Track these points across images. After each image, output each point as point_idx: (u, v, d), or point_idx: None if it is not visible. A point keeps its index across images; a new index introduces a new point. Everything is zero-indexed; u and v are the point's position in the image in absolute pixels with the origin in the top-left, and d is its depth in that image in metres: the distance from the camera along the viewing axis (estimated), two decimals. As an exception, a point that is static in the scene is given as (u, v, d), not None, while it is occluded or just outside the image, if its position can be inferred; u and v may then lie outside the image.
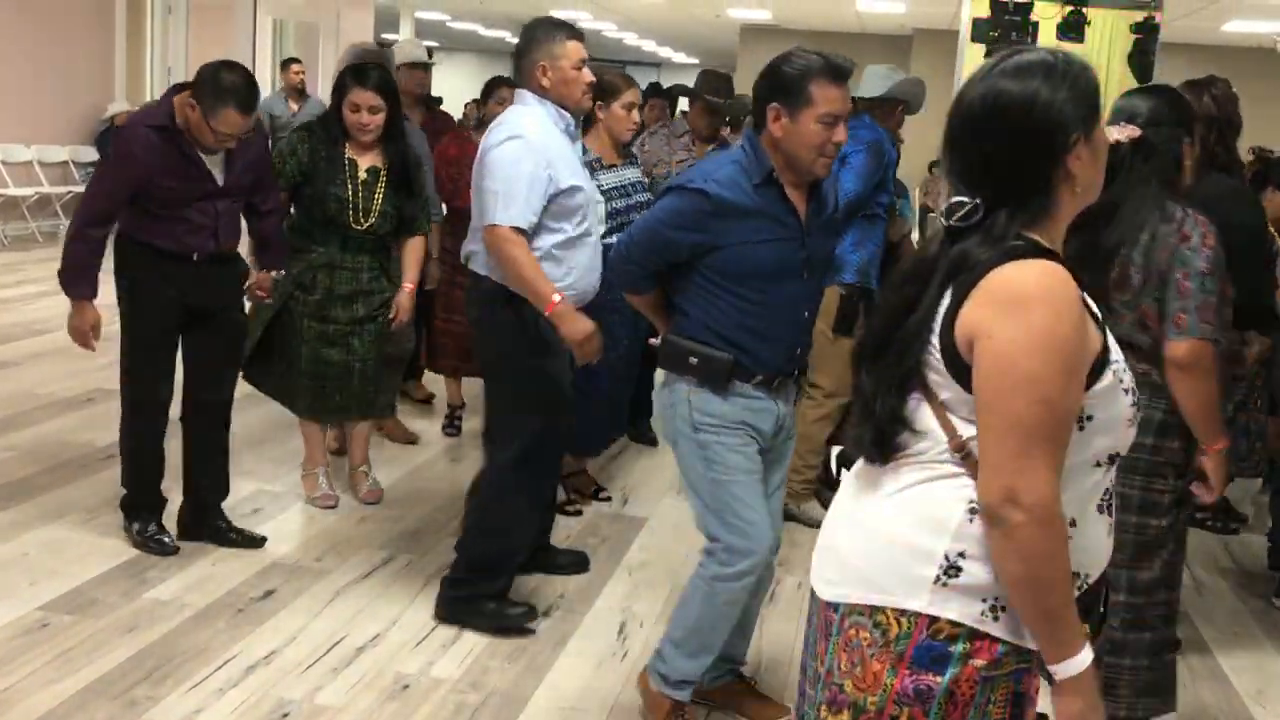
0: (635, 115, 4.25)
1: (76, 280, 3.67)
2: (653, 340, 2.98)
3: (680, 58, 27.36)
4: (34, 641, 3.22)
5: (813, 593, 1.75)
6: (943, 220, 1.61)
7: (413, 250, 4.32)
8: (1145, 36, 7.74)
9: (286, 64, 10.35)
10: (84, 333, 3.72)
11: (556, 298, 3.23)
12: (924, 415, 1.61)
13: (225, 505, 4.32)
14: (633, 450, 5.51)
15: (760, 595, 3.01)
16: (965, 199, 1.57)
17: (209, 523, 3.96)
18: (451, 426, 5.51)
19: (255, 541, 3.97)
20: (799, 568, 4.06)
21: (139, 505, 3.91)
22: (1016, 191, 1.57)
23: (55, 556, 3.78)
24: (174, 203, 3.63)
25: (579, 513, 4.53)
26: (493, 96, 5.13)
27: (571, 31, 3.39)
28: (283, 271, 4.06)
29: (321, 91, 12.03)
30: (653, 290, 2.88)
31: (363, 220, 4.11)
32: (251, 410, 5.58)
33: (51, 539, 3.93)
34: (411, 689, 3.13)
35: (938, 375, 1.59)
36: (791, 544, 4.00)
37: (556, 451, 3.61)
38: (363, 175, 4.10)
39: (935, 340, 1.58)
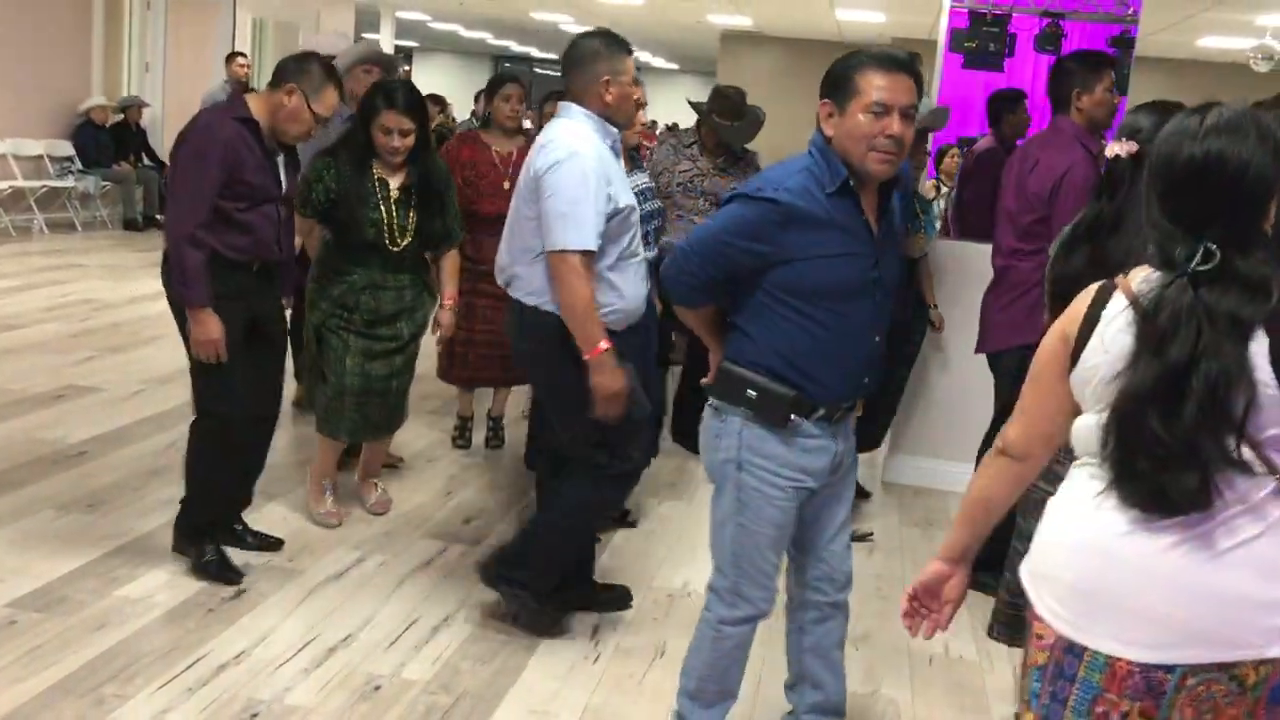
0: (643, 116, 4.13)
1: (197, 287, 3.46)
2: (705, 381, 2.75)
3: (660, 63, 27.40)
4: (1, 639, 3.20)
5: (1070, 646, 1.78)
6: (1181, 267, 1.72)
7: (450, 264, 4.26)
8: (1121, 50, 7.83)
9: (231, 57, 10.26)
10: (215, 342, 3.50)
11: (604, 345, 3.12)
12: (1247, 457, 1.69)
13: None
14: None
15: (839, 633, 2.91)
16: (1208, 246, 1.71)
17: (228, 527, 3.88)
18: (463, 439, 5.34)
19: (273, 544, 3.92)
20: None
21: (204, 531, 3.74)
22: (1241, 234, 1.73)
23: (24, 554, 3.76)
24: (251, 202, 3.53)
25: (597, 539, 4.45)
26: (542, 109, 5.06)
27: (628, 47, 3.30)
28: (290, 299, 4.00)
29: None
30: (708, 306, 2.68)
31: (399, 240, 4.02)
32: (225, 409, 5.57)
33: (21, 536, 3.90)
34: (383, 690, 3.12)
35: (1267, 414, 1.68)
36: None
37: (633, 477, 3.50)
38: (395, 194, 4.00)
39: (1266, 378, 1.67)
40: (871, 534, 4.64)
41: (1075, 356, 1.85)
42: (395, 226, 3.99)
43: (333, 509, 4.27)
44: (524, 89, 5.07)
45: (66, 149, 11.25)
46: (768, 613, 2.73)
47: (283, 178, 3.66)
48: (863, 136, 2.44)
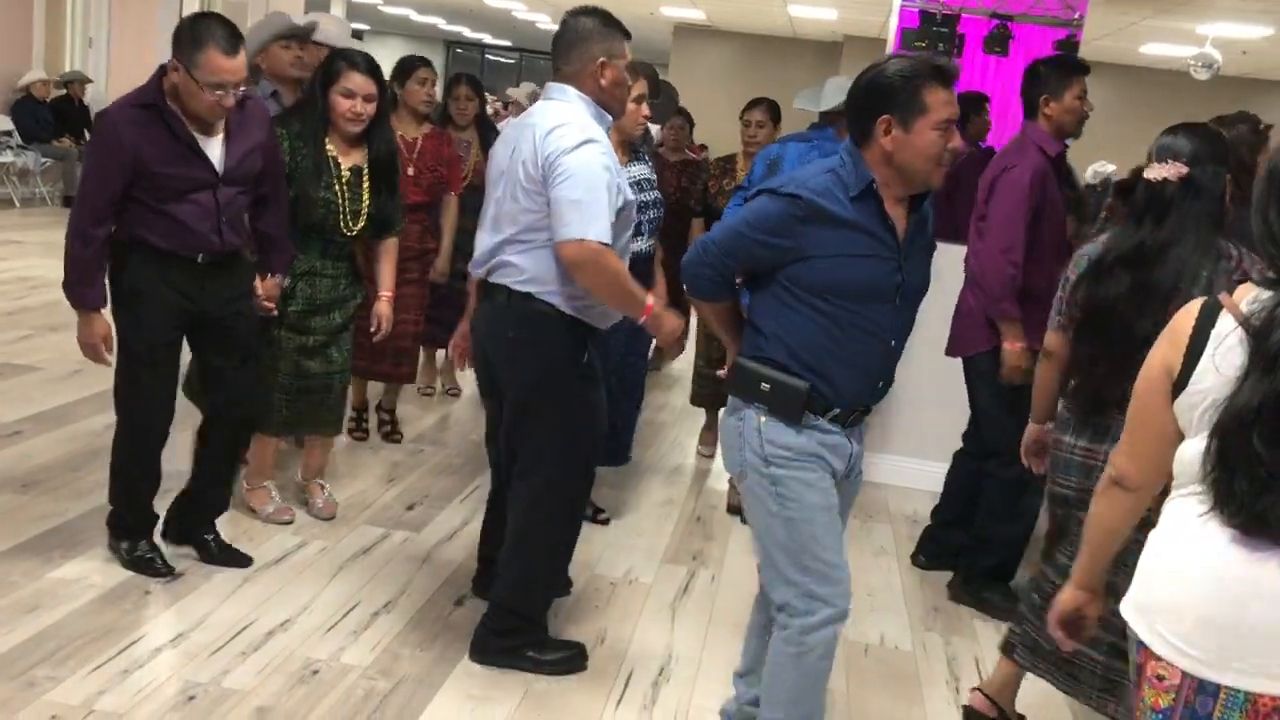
0: (645, 109, 3.92)
1: (84, 287, 3.29)
2: (721, 372, 2.75)
3: (613, 53, 27.32)
4: (-69, 619, 3.15)
5: (1202, 685, 1.74)
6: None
7: (389, 253, 4.07)
8: (1067, 54, 7.96)
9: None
10: (96, 346, 3.37)
11: (650, 301, 3.07)
12: None
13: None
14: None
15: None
16: None
17: (197, 535, 3.71)
18: (360, 430, 5.23)
19: (241, 561, 3.70)
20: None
21: (130, 525, 3.60)
22: None
23: (-45, 533, 3.69)
24: (171, 194, 3.28)
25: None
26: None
27: (625, 29, 3.14)
28: (287, 278, 3.77)
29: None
30: (726, 300, 2.67)
31: (352, 225, 3.83)
32: (165, 391, 5.50)
33: (-48, 515, 3.83)
34: (321, 674, 3.11)
35: None
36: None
37: (591, 479, 3.39)
38: (346, 175, 3.81)
39: None
40: None
41: (1182, 381, 1.82)
42: (348, 210, 3.82)
43: (282, 505, 4.12)
44: (435, 74, 5.09)
45: (5, 124, 11.02)
46: (847, 610, 2.59)
47: (217, 162, 3.34)
48: (934, 155, 2.44)
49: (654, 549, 4.28)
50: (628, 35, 3.13)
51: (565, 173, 2.92)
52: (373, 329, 4.07)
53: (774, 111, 5.40)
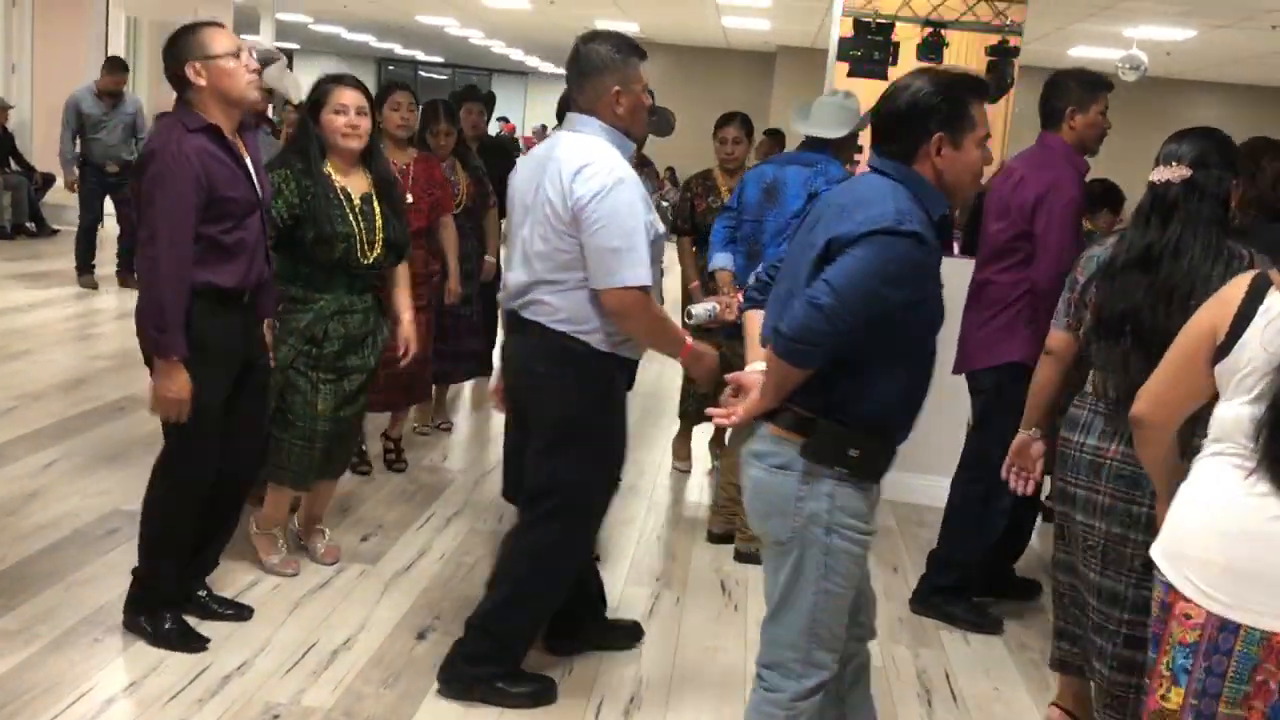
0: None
1: (176, 333, 3.02)
2: (723, 418, 2.48)
3: (549, 67, 27.30)
4: None
5: (1224, 624, 2.03)
6: None
7: (404, 278, 3.95)
8: (999, 59, 8.04)
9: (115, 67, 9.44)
10: (185, 402, 3.09)
11: (689, 340, 3.08)
12: None
13: (76, 526, 4.15)
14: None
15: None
16: None
17: (192, 593, 3.49)
18: (365, 464, 5.08)
19: (243, 613, 3.54)
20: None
21: (164, 598, 3.33)
22: None
23: (-111, 586, 3.54)
24: (233, 221, 3.13)
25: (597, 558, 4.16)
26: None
27: (641, 51, 3.04)
28: (276, 323, 3.61)
29: (162, 90, 11.51)
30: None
31: (369, 254, 3.67)
32: (106, 423, 5.35)
33: (-115, 567, 3.67)
34: (282, 719, 3.02)
35: None
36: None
37: (604, 513, 3.30)
38: (359, 204, 3.66)
39: None
40: None
41: (1225, 347, 2.04)
42: (365, 240, 3.66)
43: (290, 558, 3.92)
44: (414, 96, 4.94)
45: (-73, 153, 10.72)
46: (834, 671, 2.50)
47: (256, 182, 3.24)
48: (978, 171, 2.38)
49: (616, 572, 4.22)
50: (643, 56, 3.05)
51: (599, 220, 2.87)
52: (400, 352, 3.91)
53: (747, 126, 5.38)
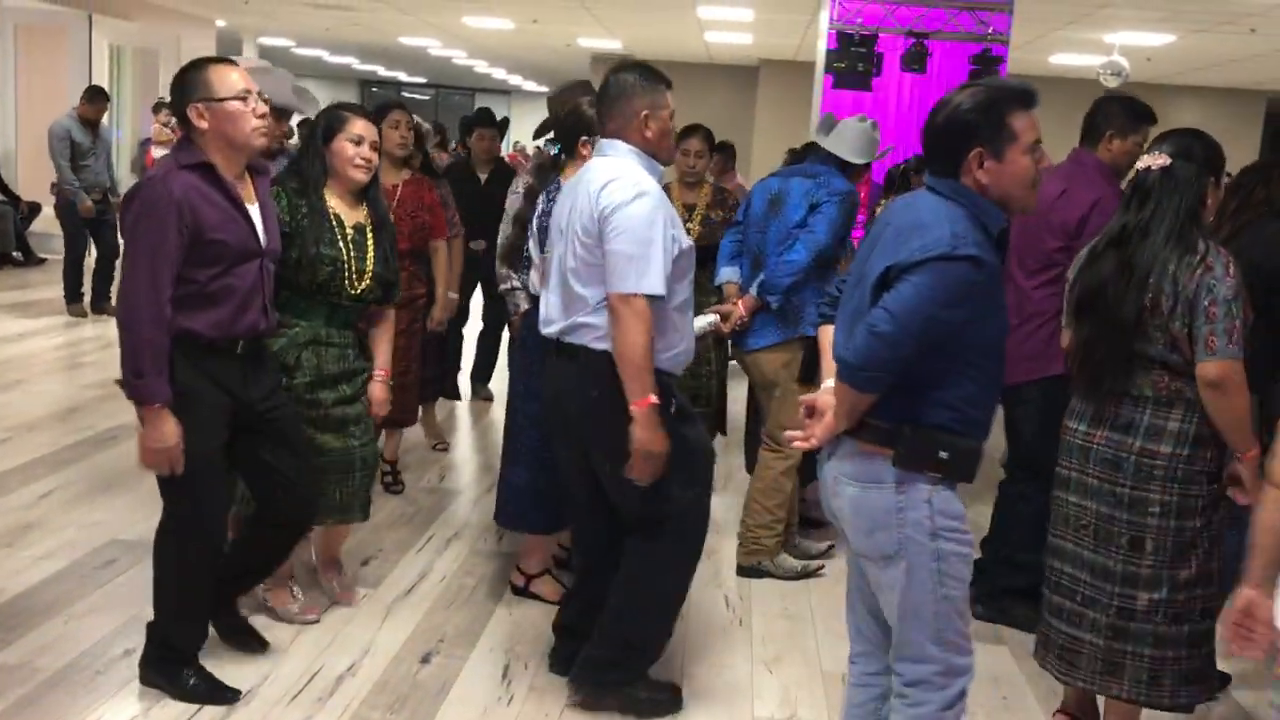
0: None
1: (158, 379, 2.87)
2: (802, 441, 2.51)
3: (531, 85, 27.35)
4: None
5: None
6: None
7: (387, 327, 3.75)
8: (982, 68, 8.08)
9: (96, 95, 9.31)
10: (173, 451, 2.93)
11: (654, 398, 2.97)
12: None
13: (74, 557, 4.12)
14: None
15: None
16: None
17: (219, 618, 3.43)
18: (397, 484, 5.13)
19: (260, 643, 3.48)
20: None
21: (184, 654, 3.19)
22: None
23: (-114, 623, 3.50)
24: (223, 267, 2.97)
25: None
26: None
27: (667, 80, 3.17)
28: (288, 350, 3.48)
29: (142, 119, 11.44)
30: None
31: (356, 285, 3.52)
32: (99, 452, 5.32)
33: (-119, 604, 3.64)
34: (289, 747, 2.99)
35: None
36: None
37: (706, 517, 3.33)
38: (350, 233, 3.53)
39: None
40: (821, 567, 4.55)
41: None
42: (354, 269, 3.52)
43: (310, 605, 3.78)
44: (410, 115, 4.90)
45: (-90, 184, 10.67)
46: (973, 672, 2.50)
47: (260, 229, 3.08)
48: (1029, 180, 2.37)
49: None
50: (669, 85, 3.16)
51: (617, 227, 2.95)
52: (370, 412, 3.70)
53: (710, 139, 5.38)
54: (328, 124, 3.56)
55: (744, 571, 4.42)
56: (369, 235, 3.59)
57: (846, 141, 4.33)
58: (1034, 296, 3.96)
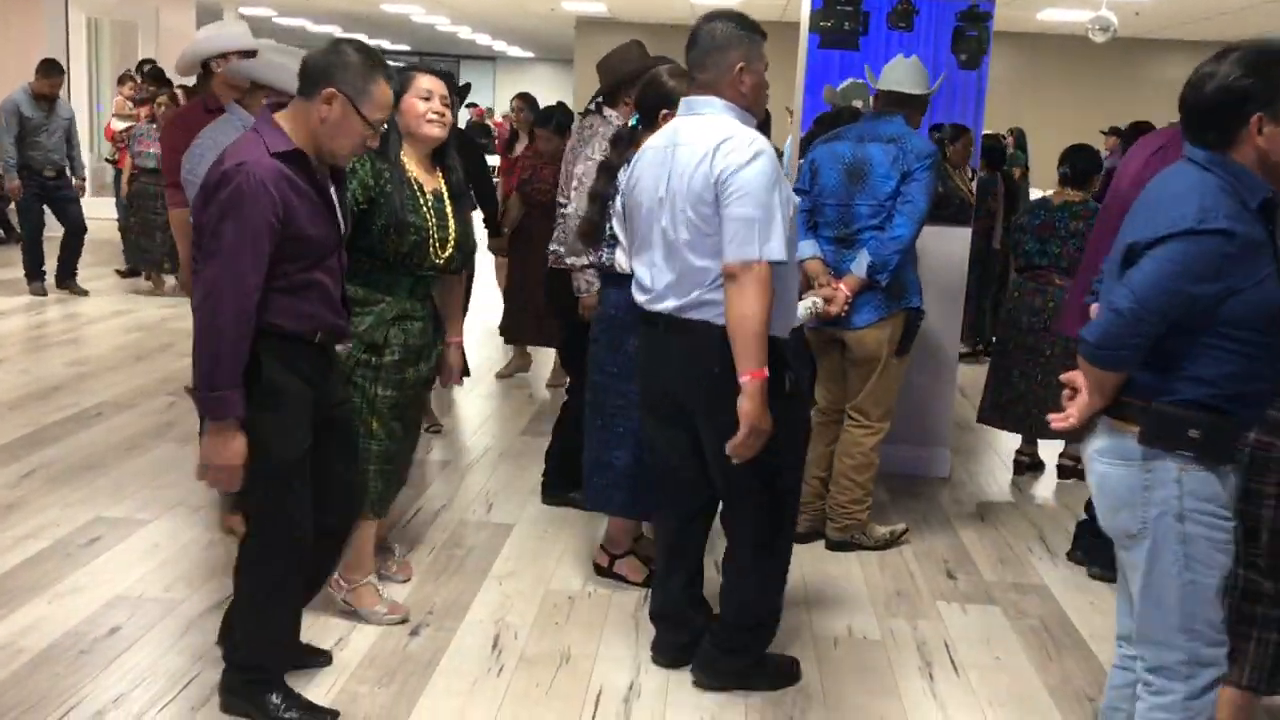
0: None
1: (234, 389, 2.63)
2: (1059, 420, 2.43)
3: (516, 51, 27.14)
4: None
5: None
6: None
7: (458, 293, 3.70)
8: (969, 24, 8.00)
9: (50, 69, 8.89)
10: (238, 470, 2.70)
11: (765, 371, 2.85)
12: None
13: (58, 536, 4.08)
14: (492, 454, 5.39)
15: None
16: None
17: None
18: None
19: (324, 658, 3.29)
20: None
21: (273, 676, 2.97)
22: None
23: None
24: (310, 261, 2.77)
25: None
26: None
27: (764, 32, 3.00)
28: (378, 329, 3.33)
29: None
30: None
31: (440, 253, 3.36)
32: (82, 430, 5.27)
33: None
34: (277, 723, 2.96)
35: None
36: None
37: (799, 493, 3.33)
38: (430, 199, 3.37)
39: None
40: (905, 530, 4.54)
41: None
42: (436, 236, 3.36)
43: (394, 601, 3.62)
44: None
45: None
46: (1224, 667, 2.41)
47: (340, 217, 2.91)
48: None
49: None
50: (764, 35, 3.00)
51: (738, 190, 2.82)
52: (445, 383, 3.74)
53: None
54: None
55: (835, 546, 4.37)
56: (447, 202, 3.45)
57: (900, 79, 4.22)
58: None
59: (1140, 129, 7.07)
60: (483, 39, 24.26)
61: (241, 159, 2.66)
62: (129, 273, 9.64)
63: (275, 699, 2.93)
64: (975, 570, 4.25)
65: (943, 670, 3.46)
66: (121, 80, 10.84)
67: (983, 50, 6.74)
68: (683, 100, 3.06)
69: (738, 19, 2.97)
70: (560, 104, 6.61)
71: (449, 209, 3.43)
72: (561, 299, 4.29)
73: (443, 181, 3.47)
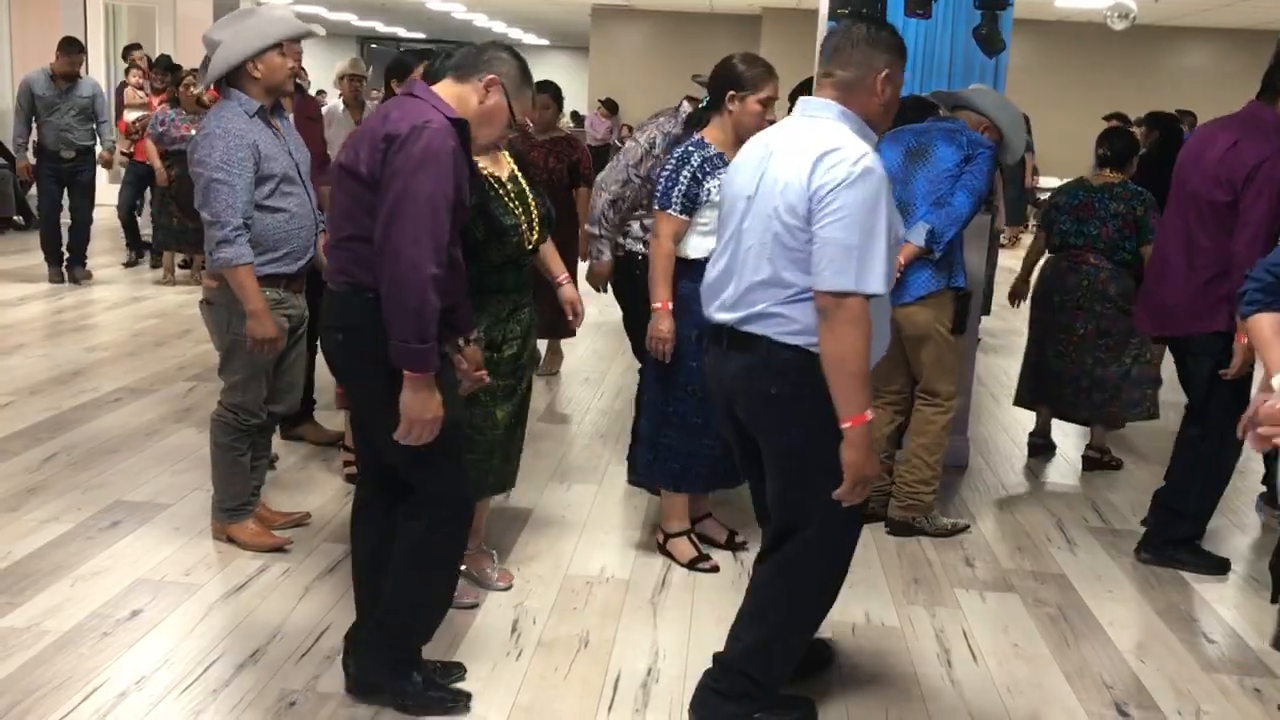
0: (771, 113, 3.55)
1: (432, 342, 2.62)
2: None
3: (531, 39, 27.11)
4: (-126, 683, 2.96)
5: None
6: None
7: (551, 246, 3.68)
8: (988, 12, 7.95)
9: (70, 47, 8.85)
10: (436, 420, 2.69)
11: (870, 414, 2.62)
12: None
13: (80, 519, 4.11)
14: (510, 440, 5.40)
15: None
16: None
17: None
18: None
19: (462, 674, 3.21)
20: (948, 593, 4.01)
21: (418, 653, 3.02)
22: None
23: (-107, 588, 3.50)
24: (456, 235, 2.76)
25: (715, 568, 3.99)
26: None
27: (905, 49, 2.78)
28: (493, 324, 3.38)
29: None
30: None
31: (531, 240, 3.40)
32: (103, 415, 5.30)
33: (-113, 569, 3.63)
34: (299, 705, 2.98)
35: None
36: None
37: (858, 534, 2.94)
38: (509, 187, 3.38)
39: None
40: (967, 526, 4.53)
41: None
42: (526, 225, 3.37)
43: (503, 569, 3.78)
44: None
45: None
46: None
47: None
48: None
49: (626, 543, 4.18)
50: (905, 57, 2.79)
51: (838, 211, 2.54)
52: (570, 319, 3.77)
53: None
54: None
55: (896, 528, 4.38)
56: (522, 183, 3.44)
57: (991, 104, 4.35)
58: (1202, 247, 3.96)
59: (1159, 118, 7.06)
60: (498, 26, 24.24)
61: (426, 117, 2.64)
62: (135, 260, 9.58)
63: (414, 676, 2.98)
64: (993, 558, 4.25)
65: (961, 657, 3.46)
66: (125, 55, 10.73)
67: (1001, 38, 6.70)
68: (800, 100, 2.86)
69: (890, 28, 2.76)
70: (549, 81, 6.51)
71: (526, 189, 3.44)
72: (622, 284, 4.44)
73: (507, 156, 3.46)
